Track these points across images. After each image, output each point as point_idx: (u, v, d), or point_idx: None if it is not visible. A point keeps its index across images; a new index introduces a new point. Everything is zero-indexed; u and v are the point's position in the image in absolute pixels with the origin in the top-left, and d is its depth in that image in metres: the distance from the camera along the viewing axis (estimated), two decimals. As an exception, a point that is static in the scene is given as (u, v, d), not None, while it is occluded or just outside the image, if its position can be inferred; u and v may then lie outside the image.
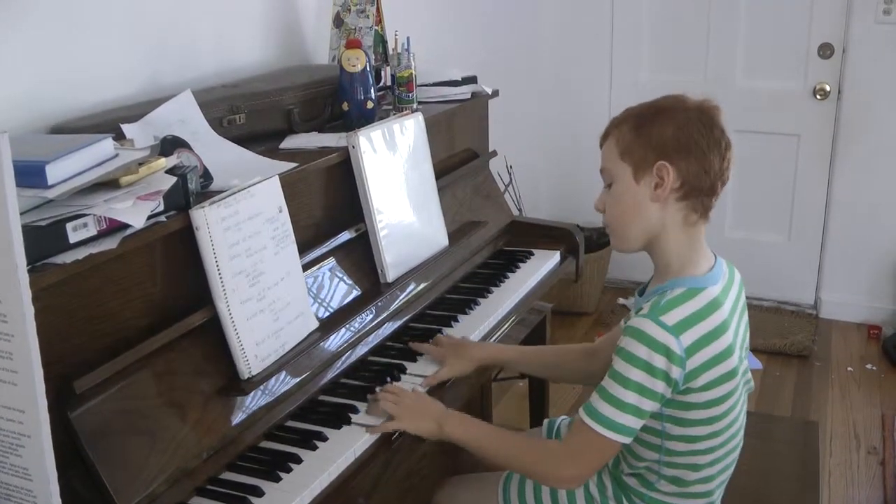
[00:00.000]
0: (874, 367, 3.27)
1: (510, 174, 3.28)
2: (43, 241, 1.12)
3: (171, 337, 1.30)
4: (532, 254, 2.20)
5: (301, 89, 1.87)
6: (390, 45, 2.18)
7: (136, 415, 1.22)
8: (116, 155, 1.28)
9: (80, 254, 1.15)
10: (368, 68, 1.86)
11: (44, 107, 1.53)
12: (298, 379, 1.47)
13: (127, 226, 1.21)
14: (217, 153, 1.57)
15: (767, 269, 3.66)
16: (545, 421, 1.76)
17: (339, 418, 1.45)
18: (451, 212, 2.06)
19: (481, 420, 1.53)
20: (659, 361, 1.28)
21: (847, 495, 2.54)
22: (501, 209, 2.32)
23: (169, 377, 1.29)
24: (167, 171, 1.31)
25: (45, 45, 1.53)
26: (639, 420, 1.31)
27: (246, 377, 1.38)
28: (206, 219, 1.32)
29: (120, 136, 1.43)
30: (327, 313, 1.62)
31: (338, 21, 2.20)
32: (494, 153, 2.40)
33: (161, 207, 1.28)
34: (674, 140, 1.32)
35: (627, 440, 1.33)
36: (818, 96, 3.45)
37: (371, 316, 1.68)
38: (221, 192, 1.39)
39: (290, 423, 1.45)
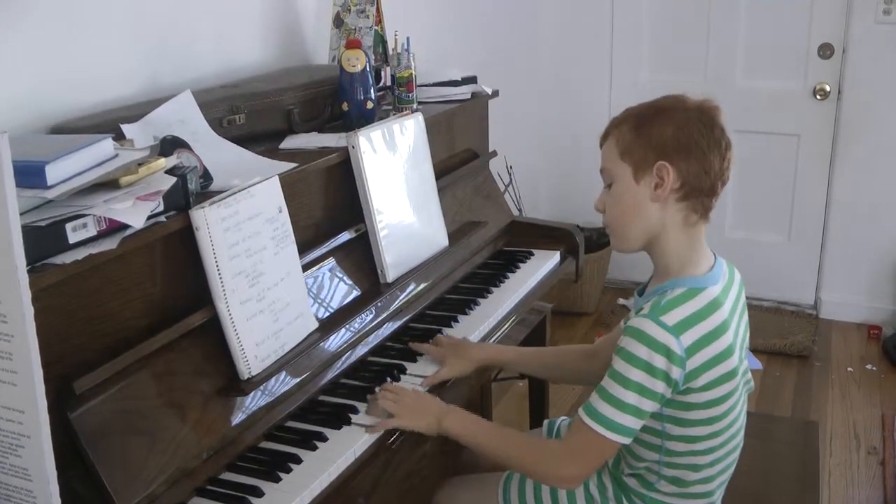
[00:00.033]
0: (874, 368, 3.27)
1: (510, 174, 3.28)
2: (42, 241, 1.12)
3: (171, 337, 1.30)
4: (532, 254, 2.20)
5: (301, 89, 1.87)
6: (390, 46, 2.18)
7: (136, 415, 1.22)
8: (116, 155, 1.28)
9: (80, 254, 1.15)
10: (368, 68, 1.86)
11: (44, 107, 1.53)
12: (298, 379, 1.47)
13: (127, 226, 1.21)
14: (217, 153, 1.56)
15: (767, 269, 3.66)
16: (545, 422, 1.76)
17: (339, 418, 1.45)
18: (451, 212, 2.06)
19: (481, 417, 1.53)
20: (659, 362, 1.28)
21: (847, 495, 2.54)
22: (501, 209, 2.32)
23: (169, 377, 1.29)
24: (167, 172, 1.31)
25: (45, 45, 1.53)
26: (638, 420, 1.31)
27: (246, 377, 1.38)
28: (205, 219, 1.32)
29: (120, 137, 1.43)
30: (327, 314, 1.62)
31: (338, 21, 2.20)
32: (494, 153, 2.40)
33: (161, 208, 1.28)
34: (674, 140, 1.32)
35: (627, 440, 1.33)
36: (818, 96, 3.45)
37: (371, 316, 1.68)
38: (221, 192, 1.39)
39: (290, 424, 1.45)
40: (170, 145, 1.40)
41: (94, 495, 1.14)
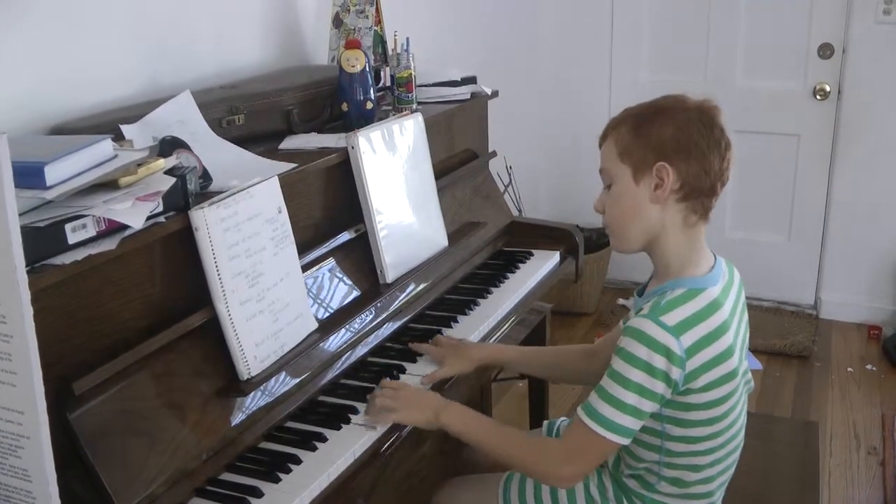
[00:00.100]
0: (874, 368, 3.27)
1: (510, 174, 3.28)
2: (42, 242, 1.11)
3: (171, 338, 1.30)
4: (532, 254, 2.20)
5: (300, 90, 1.87)
6: (390, 46, 2.18)
7: (136, 416, 1.22)
8: (115, 156, 1.28)
9: (79, 255, 1.15)
10: (368, 69, 1.86)
11: (43, 107, 1.53)
12: (298, 380, 1.47)
13: (126, 227, 1.21)
14: (216, 154, 1.56)
15: (767, 269, 3.66)
16: (545, 422, 1.76)
17: (339, 419, 1.45)
18: (450, 212, 2.06)
19: (481, 413, 1.53)
20: (659, 362, 1.27)
21: (847, 495, 2.54)
22: (501, 210, 2.32)
23: (168, 378, 1.29)
24: (166, 172, 1.31)
25: (45, 45, 1.53)
26: (638, 421, 1.31)
27: (245, 378, 1.38)
28: (205, 219, 1.32)
29: (119, 137, 1.43)
30: (327, 314, 1.61)
31: (337, 21, 2.20)
32: (494, 153, 2.40)
33: (160, 208, 1.28)
34: (673, 141, 1.32)
35: (626, 441, 1.32)
36: (818, 96, 3.45)
37: (370, 316, 1.68)
38: (221, 192, 1.39)
39: (290, 424, 1.45)
40: (169, 146, 1.40)
41: (93, 496, 1.14)
